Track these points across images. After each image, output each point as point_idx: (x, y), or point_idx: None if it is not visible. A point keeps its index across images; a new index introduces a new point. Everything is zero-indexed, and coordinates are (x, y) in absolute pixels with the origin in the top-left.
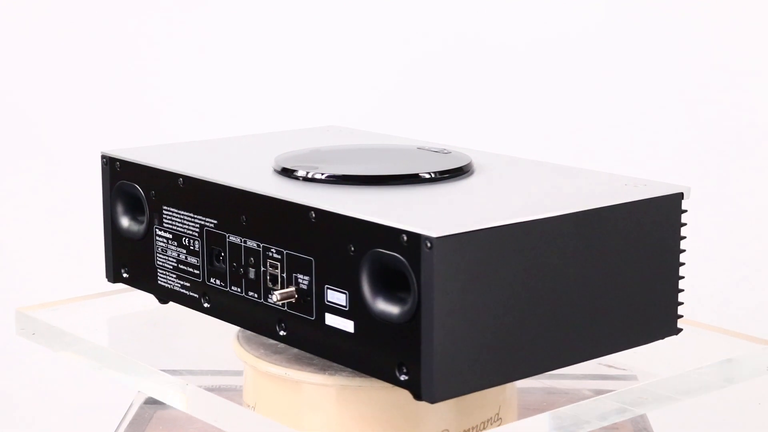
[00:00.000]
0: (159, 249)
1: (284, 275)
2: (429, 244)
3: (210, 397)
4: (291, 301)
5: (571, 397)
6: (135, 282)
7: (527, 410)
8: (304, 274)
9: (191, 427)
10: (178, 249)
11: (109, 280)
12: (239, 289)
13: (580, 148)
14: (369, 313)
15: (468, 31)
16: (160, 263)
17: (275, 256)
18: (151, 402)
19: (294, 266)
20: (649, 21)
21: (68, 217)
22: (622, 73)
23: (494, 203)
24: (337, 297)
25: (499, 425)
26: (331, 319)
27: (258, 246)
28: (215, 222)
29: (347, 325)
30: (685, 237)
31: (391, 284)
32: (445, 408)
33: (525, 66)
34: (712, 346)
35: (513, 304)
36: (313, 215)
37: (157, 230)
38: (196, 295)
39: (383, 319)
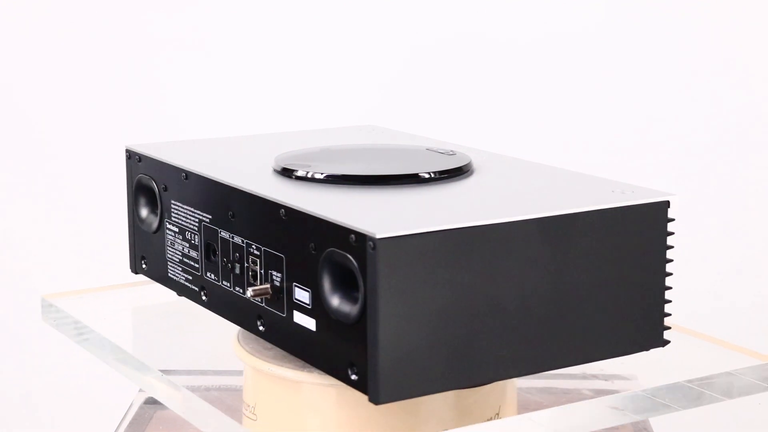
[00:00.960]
0: (168, 242)
1: (262, 271)
2: (372, 245)
3: (200, 403)
4: (267, 297)
5: (572, 396)
6: (151, 274)
7: (527, 410)
8: (278, 271)
9: (191, 428)
10: (183, 243)
11: (132, 272)
12: (228, 284)
13: (587, 147)
14: (327, 312)
15: (478, 29)
16: (170, 256)
17: (255, 252)
18: (151, 402)
19: (270, 263)
20: (650, 21)
21: (104, 207)
22: (629, 73)
23: (463, 206)
24: (302, 295)
25: None
26: (297, 317)
27: (242, 242)
28: (210, 217)
29: (310, 323)
30: (672, 246)
31: (346, 283)
32: (445, 408)
33: (542, 64)
34: (708, 358)
35: (468, 308)
36: (283, 213)
37: (167, 224)
38: (196, 289)
39: (338, 318)
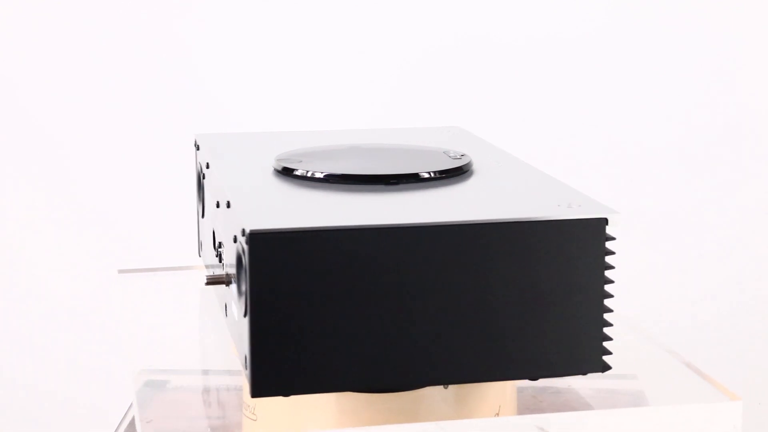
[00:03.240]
0: (204, 229)
1: (225, 261)
2: (249, 239)
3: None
4: (224, 287)
5: (572, 396)
6: (203, 259)
7: (527, 410)
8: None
9: (193, 410)
10: (207, 231)
11: (199, 256)
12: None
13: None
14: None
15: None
16: (202, 240)
17: (219, 241)
18: (150, 385)
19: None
20: (652, 22)
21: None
22: (631, 76)
23: (387, 208)
24: (234, 286)
25: None
26: (232, 306)
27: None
28: (214, 208)
29: (239, 314)
30: (611, 267)
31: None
32: (445, 408)
33: (550, 65)
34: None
35: (354, 310)
36: (228, 204)
37: (202, 212)
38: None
39: (243, 310)
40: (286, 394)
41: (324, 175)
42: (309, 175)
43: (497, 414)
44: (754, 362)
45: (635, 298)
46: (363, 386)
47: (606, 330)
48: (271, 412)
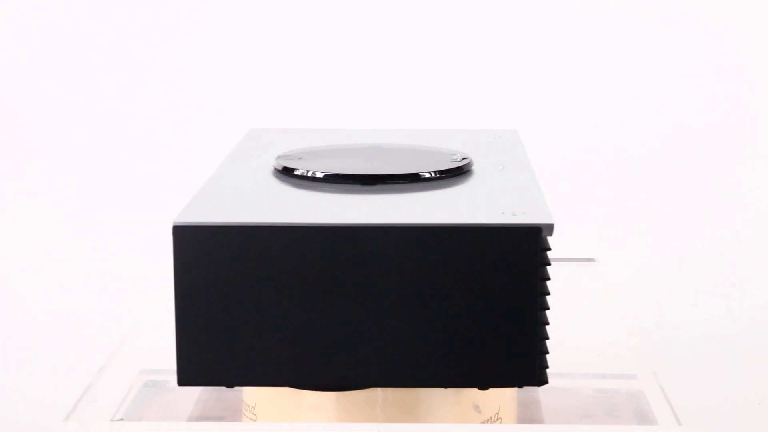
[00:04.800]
0: None
1: None
2: (173, 232)
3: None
4: None
5: (572, 396)
6: None
7: (527, 409)
8: None
9: (190, 411)
10: None
11: None
12: None
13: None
14: None
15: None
16: None
17: None
18: (151, 385)
19: None
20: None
21: None
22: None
23: (332, 208)
24: None
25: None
26: None
27: None
28: None
29: None
30: (548, 279)
31: None
32: (445, 408)
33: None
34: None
35: (273, 307)
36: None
37: None
38: None
39: None
40: (210, 384)
41: (301, 173)
42: (298, 173)
43: (497, 414)
44: (754, 362)
45: (634, 298)
46: (286, 383)
47: (541, 342)
48: (272, 412)
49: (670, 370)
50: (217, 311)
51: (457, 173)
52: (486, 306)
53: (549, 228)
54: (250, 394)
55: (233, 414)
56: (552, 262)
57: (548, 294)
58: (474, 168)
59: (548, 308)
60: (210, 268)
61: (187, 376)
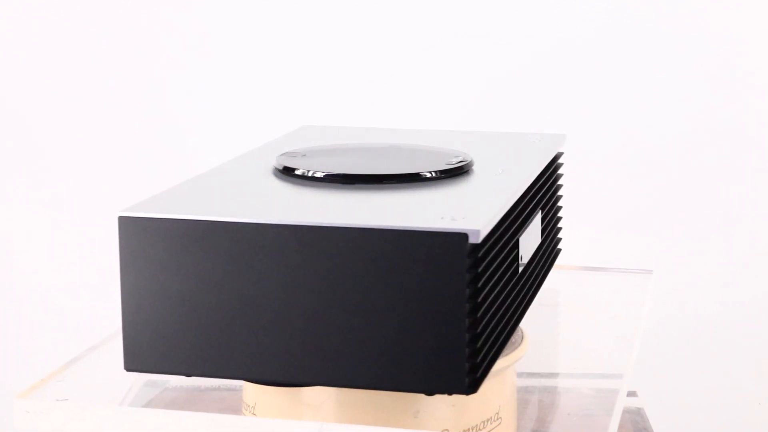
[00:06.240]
0: None
1: None
2: (118, 222)
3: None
4: None
5: (572, 396)
6: None
7: (527, 409)
8: None
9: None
10: None
11: None
12: None
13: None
14: None
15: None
16: None
17: None
18: (150, 385)
19: None
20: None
21: None
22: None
23: (284, 205)
24: None
25: (498, 424)
26: None
27: None
28: None
29: None
30: (477, 285)
31: None
32: (445, 408)
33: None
34: None
35: (214, 301)
36: None
37: None
38: None
39: None
40: (153, 372)
41: (302, 173)
42: (288, 171)
43: (497, 414)
44: (753, 362)
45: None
46: (229, 375)
47: (472, 350)
48: (271, 412)
49: (670, 370)
50: (159, 302)
51: (452, 174)
52: (416, 310)
53: (476, 234)
54: (250, 394)
55: (233, 414)
56: (608, 272)
57: (480, 300)
58: (474, 169)
59: (480, 315)
60: (151, 260)
61: (133, 362)
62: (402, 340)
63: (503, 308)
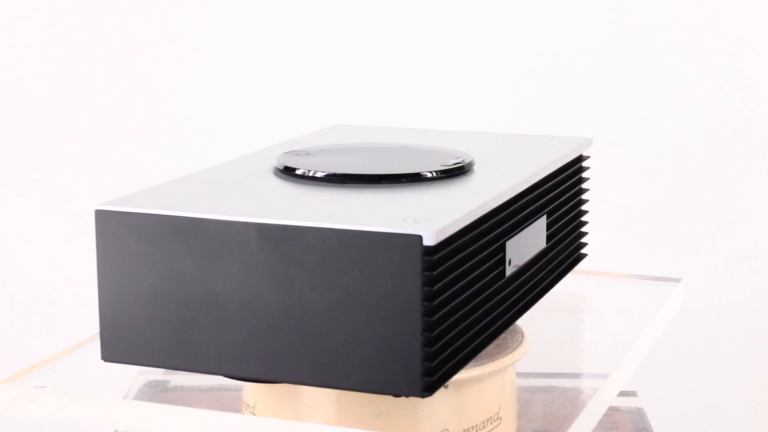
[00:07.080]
0: None
1: None
2: (94, 215)
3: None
4: None
5: (572, 395)
6: None
7: (527, 409)
8: None
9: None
10: None
11: None
12: None
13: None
14: None
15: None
16: None
17: None
18: (152, 385)
19: None
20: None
21: None
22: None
23: (260, 202)
24: None
25: (498, 424)
26: None
27: None
28: None
29: None
30: (432, 287)
31: None
32: (445, 408)
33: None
34: None
35: (184, 295)
36: None
37: None
38: None
39: None
40: (128, 363)
41: (281, 170)
42: (283, 170)
43: (497, 414)
44: (753, 362)
45: (635, 298)
46: (192, 368)
47: (427, 353)
48: (272, 412)
49: (670, 370)
50: (134, 295)
51: (450, 175)
52: (374, 312)
53: (431, 236)
54: (250, 394)
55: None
56: (638, 280)
57: (439, 303)
58: (475, 170)
59: (439, 318)
60: (126, 253)
61: (110, 352)
62: (362, 341)
63: (478, 311)
